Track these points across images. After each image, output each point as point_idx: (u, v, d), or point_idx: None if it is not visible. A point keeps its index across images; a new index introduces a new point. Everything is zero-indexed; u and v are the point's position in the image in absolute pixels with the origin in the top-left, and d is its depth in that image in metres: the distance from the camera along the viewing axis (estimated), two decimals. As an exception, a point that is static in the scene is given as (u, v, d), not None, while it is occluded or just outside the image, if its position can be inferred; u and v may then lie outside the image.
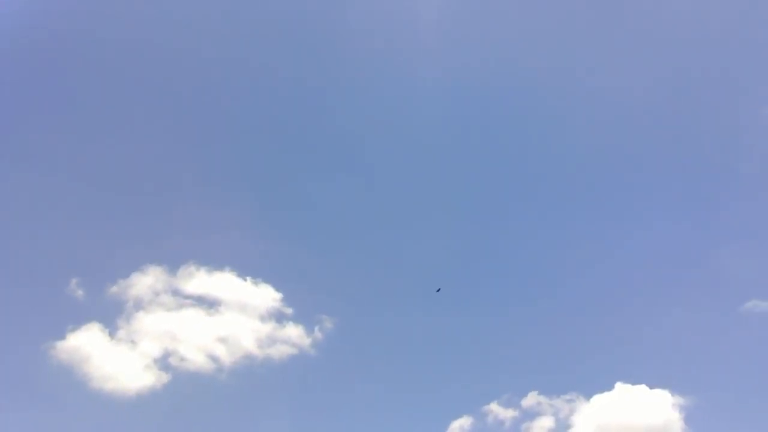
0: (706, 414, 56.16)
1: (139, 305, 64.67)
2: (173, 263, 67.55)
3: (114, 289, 65.73)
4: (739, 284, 64.81)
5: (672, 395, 56.17)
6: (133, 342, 62.42)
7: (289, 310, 66.85)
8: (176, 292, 66.00)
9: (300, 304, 67.55)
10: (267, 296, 67.03)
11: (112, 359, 61.00)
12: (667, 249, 72.30)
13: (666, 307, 67.25)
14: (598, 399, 57.65)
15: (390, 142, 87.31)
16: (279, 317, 66.29)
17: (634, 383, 57.01)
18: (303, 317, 66.78)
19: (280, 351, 64.29)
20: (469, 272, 75.87)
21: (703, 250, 70.67)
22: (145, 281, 66.26)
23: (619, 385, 57.23)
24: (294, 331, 65.50)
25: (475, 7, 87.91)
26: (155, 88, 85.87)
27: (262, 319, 65.99)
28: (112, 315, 63.96)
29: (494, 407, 59.87)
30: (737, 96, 78.11)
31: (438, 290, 68.46)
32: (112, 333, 62.43)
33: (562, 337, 68.02)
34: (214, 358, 62.94)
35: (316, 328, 66.49)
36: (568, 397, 59.40)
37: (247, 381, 63.38)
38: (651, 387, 56.64)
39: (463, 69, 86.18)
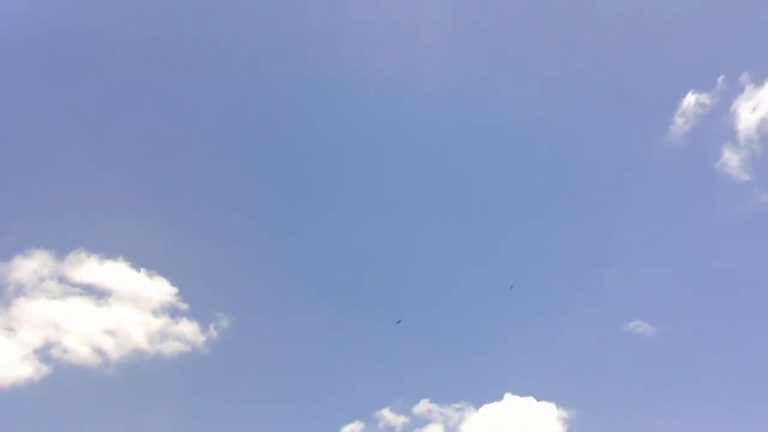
0: (587, 427, 58.86)
1: (21, 291, 60.57)
2: (62, 248, 63.68)
3: (-7, 272, 61.41)
4: (625, 304, 68.25)
5: (557, 408, 58.41)
6: (11, 329, 58.41)
7: (184, 306, 64.53)
8: (63, 279, 62.23)
9: (196, 300, 65.36)
10: (161, 290, 64.31)
11: (-14, 347, 57.16)
12: (558, 265, 74.99)
13: (555, 321, 69.98)
14: (487, 408, 59.24)
15: (302, 132, 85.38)
16: (173, 312, 63.92)
17: (522, 395, 58.93)
18: (198, 314, 64.77)
19: (171, 347, 62.17)
20: (366, 278, 76.19)
21: (593, 268, 73.82)
22: (29, 265, 62.04)
23: (508, 396, 59.07)
24: (188, 328, 63.39)
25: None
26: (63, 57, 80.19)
27: (155, 313, 63.43)
28: (-11, 299, 59.88)
29: (386, 413, 60.43)
30: (635, 115, 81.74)
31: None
32: (-12, 319, 58.23)
33: (455, 346, 69.46)
34: (100, 352, 60.08)
35: (212, 326, 64.74)
36: (458, 405, 60.65)
37: (135, 377, 60.96)
38: (538, 399, 58.66)
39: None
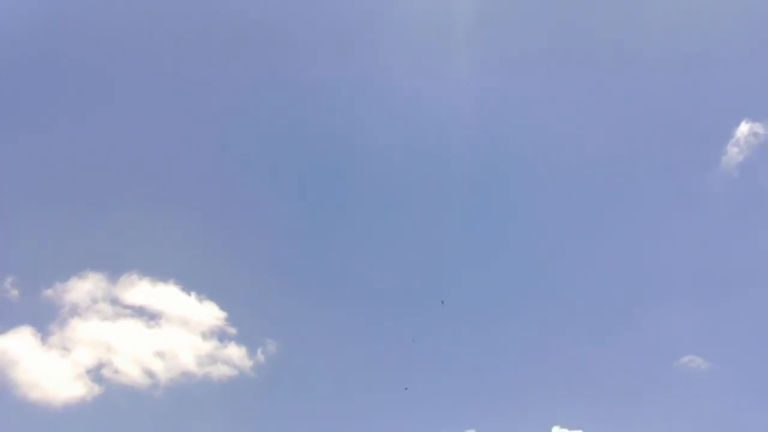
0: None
1: (75, 311, 62.13)
2: (115, 271, 65.17)
3: (49, 292, 63.00)
4: (678, 338, 66.65)
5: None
6: (65, 349, 59.88)
7: (233, 330, 65.26)
8: (115, 301, 63.64)
9: (244, 325, 66.08)
10: (211, 314, 65.22)
11: (42, 366, 58.35)
12: (611, 296, 73.77)
13: (606, 353, 68.58)
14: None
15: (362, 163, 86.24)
16: (222, 336, 64.70)
17: (571, 428, 57.84)
18: (246, 338, 65.33)
19: (220, 371, 62.80)
20: (413, 306, 75.73)
21: (646, 301, 72.26)
22: (84, 287, 63.69)
23: (556, 429, 57.96)
24: (236, 352, 64.05)
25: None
26: (119, 84, 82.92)
27: (204, 336, 64.32)
28: (45, 319, 61.32)
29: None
30: (687, 144, 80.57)
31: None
32: (44, 338, 59.79)
33: (503, 377, 68.63)
34: (150, 373, 60.97)
35: (259, 351, 65.22)
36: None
37: (183, 399, 61.74)
38: (588, 432, 57.30)
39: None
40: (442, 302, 67.76)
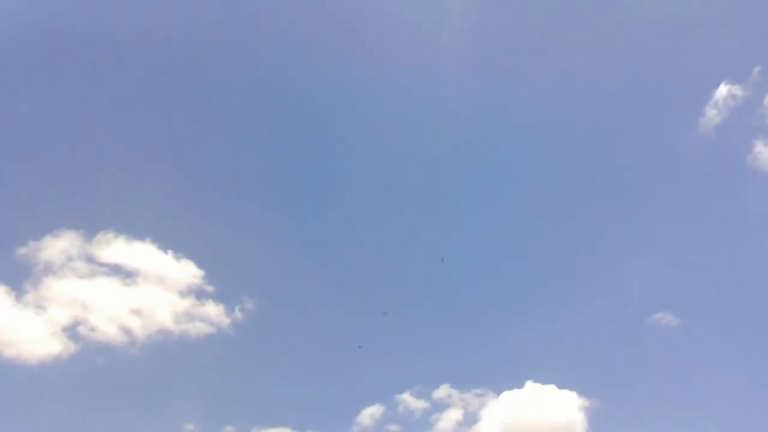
0: (609, 417, 58.65)
1: (50, 270, 61.59)
2: (90, 229, 64.58)
3: (23, 250, 62.43)
4: (649, 295, 67.55)
5: (579, 397, 58.00)
6: (40, 307, 59.50)
7: (211, 288, 65.22)
8: (90, 259, 63.11)
9: (222, 283, 66.10)
10: (188, 272, 64.96)
11: (16, 324, 58.16)
12: (583, 255, 74.63)
13: (579, 310, 69.71)
14: (507, 395, 58.93)
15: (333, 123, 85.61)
16: (199, 294, 64.61)
17: (544, 383, 58.35)
18: (224, 296, 65.45)
19: (197, 328, 62.88)
20: (389, 264, 76.35)
21: (618, 259, 73.19)
22: (58, 245, 63.13)
23: (529, 384, 58.51)
24: (214, 310, 64.09)
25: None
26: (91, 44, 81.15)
27: (181, 294, 64.17)
28: (19, 278, 60.85)
29: (406, 397, 60.93)
30: (664, 106, 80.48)
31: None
32: (18, 297, 59.31)
33: (476, 333, 69.66)
34: (126, 331, 61.02)
35: (237, 309, 65.45)
36: (478, 391, 60.98)
37: (161, 357, 61.88)
38: (560, 387, 58.06)
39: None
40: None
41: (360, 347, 66.19)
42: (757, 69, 72.00)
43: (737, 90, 72.07)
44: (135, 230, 65.28)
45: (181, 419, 57.13)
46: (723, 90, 72.74)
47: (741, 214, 71.34)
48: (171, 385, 60.47)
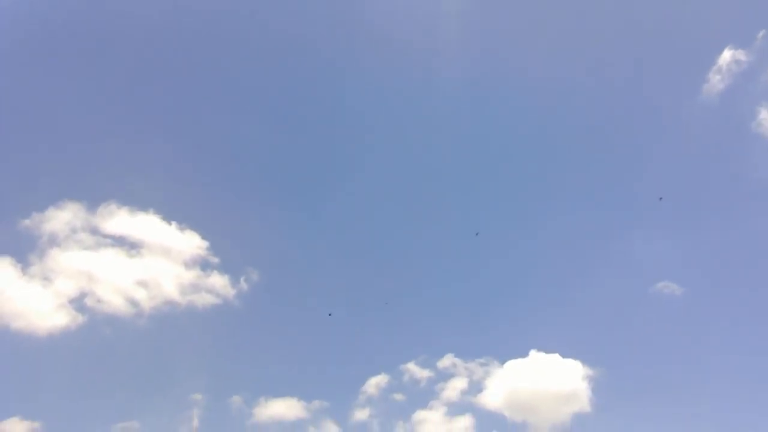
0: (612, 386, 59.17)
1: (54, 241, 61.60)
2: (93, 200, 64.39)
3: (27, 222, 62.32)
4: (653, 265, 67.71)
5: (583, 366, 58.57)
6: (46, 279, 59.59)
7: (216, 260, 65.31)
8: (95, 231, 63.03)
9: (227, 255, 66.16)
10: (192, 243, 65.04)
11: (23, 296, 58.18)
12: (586, 224, 74.51)
13: (582, 280, 70.11)
14: (511, 364, 59.76)
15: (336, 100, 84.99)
16: (204, 265, 64.74)
17: (548, 352, 59.11)
18: (229, 267, 65.55)
19: (203, 299, 63.14)
20: (394, 234, 76.73)
21: (621, 229, 73.23)
22: (62, 217, 63.03)
23: (533, 353, 59.25)
24: (219, 281, 64.27)
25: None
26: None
27: (186, 265, 64.27)
28: (24, 250, 60.76)
29: (411, 367, 61.39)
30: (667, 72, 79.55)
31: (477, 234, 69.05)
32: (24, 269, 59.38)
33: (481, 302, 70.25)
34: (133, 302, 61.12)
35: (242, 279, 65.60)
36: (482, 360, 61.40)
37: (168, 328, 62.26)
38: (564, 356, 58.77)
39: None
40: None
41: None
42: (761, 33, 70.54)
43: (741, 55, 70.74)
44: (138, 201, 65.30)
45: (188, 390, 57.84)
46: (727, 55, 71.56)
47: (745, 181, 70.97)
48: (178, 356, 61.00)
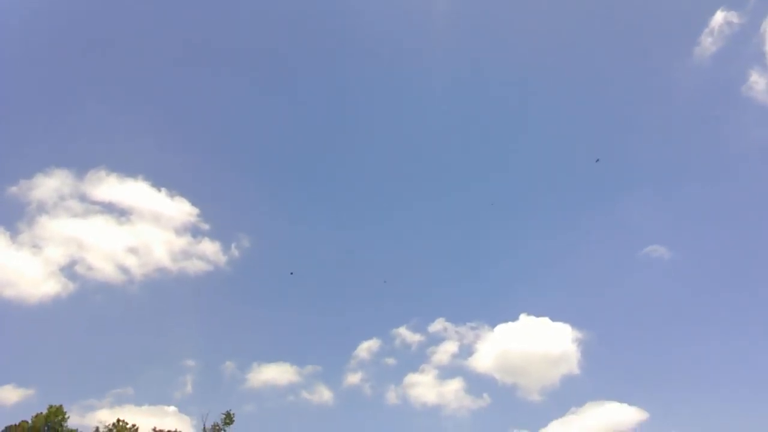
0: (601, 348, 60.22)
1: (43, 209, 60.72)
2: (81, 167, 63.43)
3: (14, 189, 61.63)
4: (642, 228, 68.07)
5: (572, 329, 59.08)
6: (36, 247, 59.04)
7: (206, 226, 65.00)
8: (83, 198, 62.19)
9: (217, 221, 65.97)
10: (182, 210, 64.54)
11: (14, 264, 57.68)
12: (576, 188, 75.10)
13: (572, 244, 70.78)
14: (502, 328, 60.25)
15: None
16: (195, 232, 64.44)
17: (537, 315, 59.55)
18: (220, 234, 65.43)
19: (195, 266, 63.06)
20: (384, 199, 77.12)
21: (611, 192, 73.85)
22: (50, 184, 62.00)
23: (523, 317, 59.64)
24: (210, 247, 64.10)
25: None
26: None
27: (177, 232, 63.90)
28: (12, 217, 60.26)
29: (402, 331, 61.84)
30: (659, 34, 79.05)
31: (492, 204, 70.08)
32: (13, 236, 58.62)
33: (470, 267, 71.00)
34: (124, 269, 60.83)
35: (233, 246, 65.60)
36: (473, 324, 61.76)
37: (160, 294, 62.50)
38: (553, 320, 59.32)
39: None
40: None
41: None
42: (755, -6, 69.66)
43: (733, 17, 69.38)
44: (127, 168, 64.57)
45: (181, 356, 58.33)
46: (719, 17, 70.18)
47: (736, 145, 71.18)
48: (171, 322, 61.53)
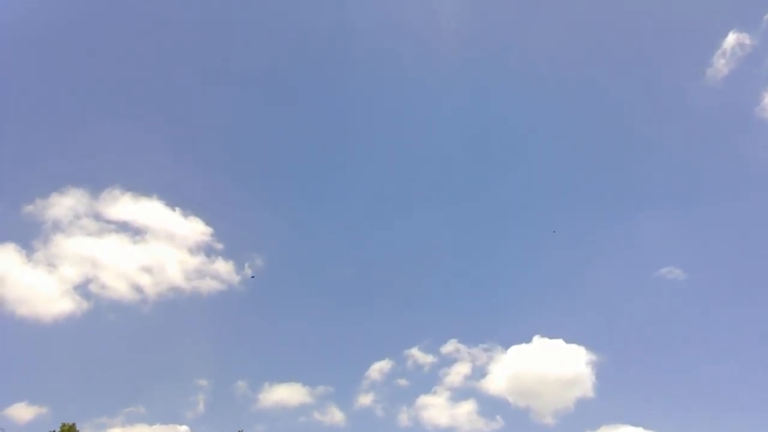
0: (615, 371, 59.83)
1: (58, 227, 61.34)
2: (96, 186, 64.01)
3: (30, 208, 62.26)
4: (657, 250, 67.74)
5: (586, 351, 58.74)
6: (51, 265, 59.45)
7: (220, 246, 65.27)
8: (98, 217, 62.77)
9: (231, 241, 66.22)
10: (196, 229, 64.95)
11: (29, 282, 58.09)
12: (591, 209, 75.04)
13: (586, 265, 70.35)
14: (515, 350, 59.91)
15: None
16: (208, 251, 64.71)
17: (551, 337, 59.24)
18: (233, 253, 65.58)
19: (208, 285, 63.13)
20: (402, 224, 77.06)
21: (625, 214, 73.49)
22: (65, 202, 62.64)
23: (536, 338, 59.34)
24: (223, 267, 64.28)
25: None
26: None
27: (191, 251, 64.23)
28: (28, 236, 60.70)
29: (414, 352, 61.61)
30: (672, 55, 79.19)
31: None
32: (28, 255, 59.13)
33: (484, 289, 70.60)
34: (138, 288, 61.06)
35: (247, 265, 65.62)
36: (485, 346, 61.52)
37: (173, 314, 62.57)
38: (567, 342, 58.91)
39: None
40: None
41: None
42: (767, 17, 69.80)
43: (746, 39, 69.80)
44: (141, 187, 64.99)
45: (193, 375, 58.34)
46: (731, 39, 70.51)
47: (749, 166, 70.94)
48: (183, 341, 61.52)
